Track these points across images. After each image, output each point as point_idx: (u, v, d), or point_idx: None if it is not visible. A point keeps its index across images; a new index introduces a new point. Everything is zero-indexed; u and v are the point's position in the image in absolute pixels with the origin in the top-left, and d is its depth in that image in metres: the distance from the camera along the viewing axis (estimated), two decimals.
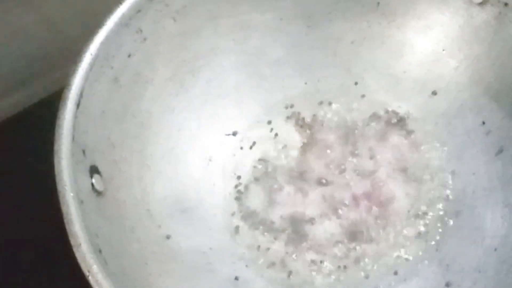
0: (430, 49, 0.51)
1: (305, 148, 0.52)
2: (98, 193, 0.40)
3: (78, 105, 0.40)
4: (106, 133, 0.43)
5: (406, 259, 0.46)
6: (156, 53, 0.47)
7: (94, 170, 0.41)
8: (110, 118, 0.44)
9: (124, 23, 0.44)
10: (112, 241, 0.39)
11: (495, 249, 0.43)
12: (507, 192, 0.45)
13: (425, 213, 0.48)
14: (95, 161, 0.41)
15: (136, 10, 0.44)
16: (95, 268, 0.35)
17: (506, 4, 0.46)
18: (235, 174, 0.51)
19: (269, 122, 0.53)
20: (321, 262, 0.47)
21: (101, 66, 0.42)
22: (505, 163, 0.46)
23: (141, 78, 0.46)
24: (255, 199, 0.50)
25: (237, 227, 0.49)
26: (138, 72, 0.46)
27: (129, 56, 0.45)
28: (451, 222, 0.47)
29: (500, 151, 0.46)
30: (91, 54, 0.41)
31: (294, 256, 0.47)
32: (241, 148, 0.52)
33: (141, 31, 0.45)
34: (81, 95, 0.40)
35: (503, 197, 0.45)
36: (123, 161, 0.45)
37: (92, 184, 0.40)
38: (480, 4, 0.47)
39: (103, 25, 0.42)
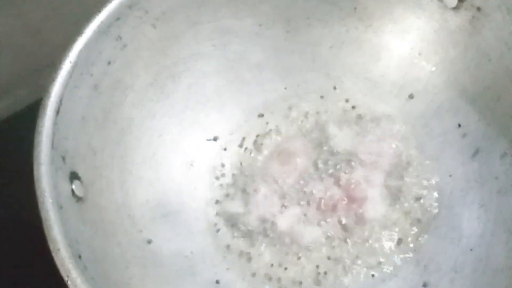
0: (407, 52, 0.52)
1: (284, 151, 0.52)
2: (78, 198, 0.41)
3: (57, 112, 0.40)
4: (86, 139, 0.44)
5: (384, 260, 0.47)
6: (136, 59, 0.48)
7: (74, 176, 0.41)
8: (91, 124, 0.44)
9: (103, 30, 0.44)
10: (93, 246, 0.40)
11: (471, 249, 0.44)
12: (482, 193, 0.46)
13: (403, 214, 0.48)
14: (75, 167, 0.42)
15: (115, 18, 0.45)
16: (73, 273, 0.35)
17: (479, 9, 0.46)
18: (216, 178, 0.51)
19: (250, 127, 0.53)
20: (301, 265, 0.48)
21: (81, 73, 0.43)
22: (481, 164, 0.47)
23: (121, 85, 0.47)
24: (236, 203, 0.50)
25: (218, 231, 0.49)
26: (118, 79, 0.46)
27: (108, 63, 0.45)
28: (429, 223, 0.48)
29: (476, 152, 0.47)
30: (70, 62, 0.42)
31: (274, 259, 0.48)
32: (222, 152, 0.52)
33: (120, 38, 0.46)
34: (60, 102, 0.40)
35: (479, 198, 0.46)
36: (104, 167, 0.45)
37: (72, 190, 0.40)
38: (454, 8, 0.48)
39: (82, 33, 0.43)
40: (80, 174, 0.42)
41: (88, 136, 0.44)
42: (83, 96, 0.43)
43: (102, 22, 0.44)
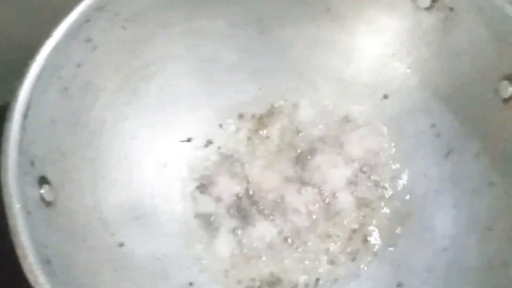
0: (380, 53, 0.52)
1: (258, 152, 0.52)
2: (48, 203, 0.40)
3: (25, 116, 0.40)
4: (56, 143, 0.43)
5: (358, 261, 0.47)
6: (107, 61, 0.47)
7: (43, 181, 0.40)
8: (61, 127, 0.44)
9: (72, 33, 0.43)
10: (63, 251, 0.39)
11: (445, 249, 0.44)
12: (456, 193, 0.46)
13: (377, 214, 0.49)
14: (44, 171, 0.41)
15: (84, 20, 0.44)
16: (41, 279, 0.35)
17: (451, 9, 0.46)
18: (189, 179, 0.51)
19: (223, 128, 0.53)
20: (273, 266, 0.47)
21: (50, 76, 0.42)
22: (454, 164, 0.47)
23: (92, 87, 0.46)
24: (210, 204, 0.50)
25: (192, 233, 0.49)
26: (89, 81, 0.46)
27: (78, 65, 0.45)
28: (403, 223, 0.48)
29: (449, 152, 0.47)
30: (39, 65, 0.41)
31: (248, 261, 0.48)
32: (196, 153, 0.52)
33: (90, 40, 0.45)
34: (28, 106, 0.40)
35: (453, 198, 0.46)
36: (75, 170, 0.44)
37: (41, 195, 0.40)
38: (427, 9, 0.48)
39: (50, 35, 0.42)
40: (49, 179, 0.41)
41: (58, 139, 0.43)
42: (52, 99, 0.43)
43: (71, 24, 0.43)
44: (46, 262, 0.36)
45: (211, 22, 0.51)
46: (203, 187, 0.51)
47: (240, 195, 0.50)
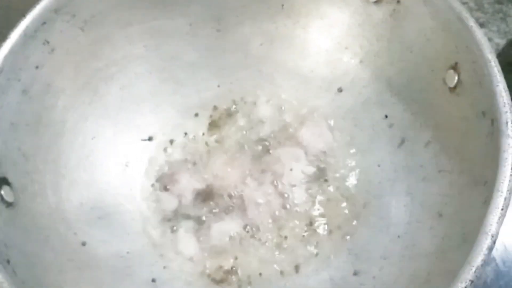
0: (334, 47, 0.53)
1: (219, 149, 0.53)
2: (8, 204, 0.41)
3: None
4: (16, 145, 0.44)
5: (316, 251, 0.48)
6: (66, 63, 0.48)
7: (3, 182, 0.41)
8: (21, 129, 0.44)
9: (29, 35, 0.44)
10: (24, 251, 0.40)
11: (399, 236, 0.45)
12: (409, 182, 0.47)
13: (333, 205, 0.50)
14: (4, 173, 0.42)
15: (41, 22, 0.45)
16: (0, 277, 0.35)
17: (398, 2, 0.47)
18: (151, 178, 0.52)
19: (185, 126, 0.54)
20: (236, 259, 0.48)
21: (8, 79, 0.43)
22: (406, 153, 0.48)
23: (52, 89, 0.47)
24: (172, 202, 0.51)
25: (154, 230, 0.49)
26: (48, 83, 0.46)
27: (37, 67, 0.45)
28: (359, 213, 0.49)
29: (402, 142, 0.48)
30: None
31: (211, 256, 0.49)
32: (158, 152, 0.53)
33: (48, 42, 0.46)
34: None
35: (406, 186, 0.47)
36: (36, 172, 0.45)
37: (1, 196, 0.40)
38: (376, 2, 0.49)
39: (7, 38, 0.43)
40: (10, 180, 0.42)
41: (18, 141, 0.44)
42: (11, 102, 0.43)
43: (27, 26, 0.44)
44: (5, 261, 0.37)
45: (170, 22, 0.52)
46: (165, 185, 0.52)
47: (201, 192, 0.51)
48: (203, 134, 0.54)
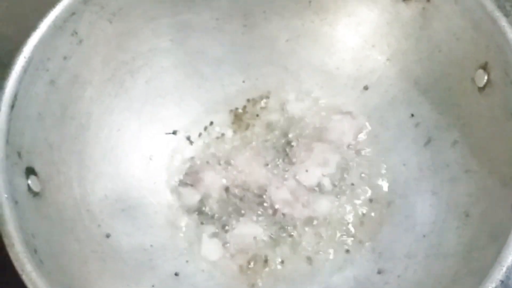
0: (361, 45, 0.53)
1: (243, 145, 0.53)
2: (35, 193, 0.41)
3: (12, 108, 0.40)
4: (43, 135, 0.44)
5: (340, 249, 0.48)
6: (93, 54, 0.48)
7: (30, 172, 0.41)
8: (48, 120, 0.44)
9: (58, 26, 0.44)
10: (50, 241, 0.40)
11: (424, 236, 0.45)
12: (435, 181, 0.47)
13: (358, 203, 0.49)
14: (31, 162, 0.42)
15: (71, 13, 0.45)
16: (28, 267, 0.35)
17: (428, 0, 0.47)
18: (175, 172, 0.52)
19: (208, 121, 0.54)
20: (260, 255, 0.48)
21: (36, 69, 0.43)
22: (433, 152, 0.48)
23: (79, 80, 0.47)
24: (195, 197, 0.51)
25: (178, 224, 0.49)
26: (76, 74, 0.47)
27: (65, 58, 0.45)
28: (384, 212, 0.49)
29: (428, 141, 0.48)
30: (25, 58, 0.42)
31: (234, 252, 0.48)
32: (182, 146, 0.53)
33: (76, 33, 0.46)
34: (15, 98, 0.40)
35: (432, 185, 0.47)
36: (62, 162, 0.45)
37: (28, 185, 0.40)
38: (405, 1, 0.49)
39: (36, 28, 0.43)
40: (36, 170, 0.42)
41: (45, 131, 0.44)
42: (39, 92, 0.43)
43: (56, 17, 0.44)
44: (33, 251, 0.37)
45: (196, 16, 0.52)
46: (189, 179, 0.52)
47: (225, 188, 0.51)
48: (227, 129, 0.54)
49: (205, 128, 0.54)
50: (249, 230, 0.49)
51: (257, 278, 0.47)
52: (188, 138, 0.53)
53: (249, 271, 0.48)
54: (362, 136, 0.52)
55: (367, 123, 0.52)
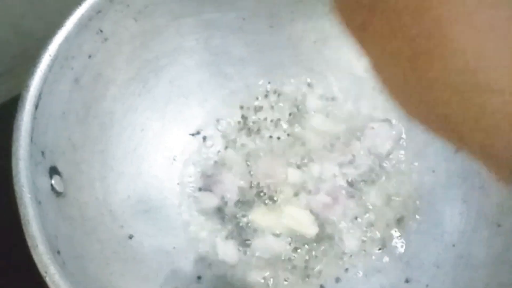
0: None
1: (267, 147, 0.52)
2: (58, 194, 0.40)
3: (36, 106, 0.40)
4: (67, 134, 0.43)
5: (368, 256, 0.47)
6: (117, 53, 0.47)
7: (54, 171, 0.41)
8: (71, 119, 0.44)
9: (83, 24, 0.43)
10: (72, 242, 0.40)
11: (453, 245, 0.44)
12: (465, 189, 0.46)
13: (386, 210, 0.49)
14: (55, 162, 0.41)
15: (96, 11, 0.44)
16: (52, 269, 0.35)
17: None
18: (199, 173, 0.51)
19: (232, 122, 0.53)
20: (288, 260, 0.48)
21: (61, 67, 0.42)
22: (464, 159, 0.47)
23: (102, 79, 0.46)
24: (217, 199, 0.50)
25: (200, 227, 0.49)
26: (100, 73, 0.46)
27: (89, 56, 0.45)
28: (412, 219, 0.48)
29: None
30: (50, 56, 0.41)
31: (257, 253, 0.48)
32: (205, 147, 0.52)
33: (101, 31, 0.45)
34: (39, 97, 0.40)
35: (462, 193, 0.46)
36: (85, 162, 0.45)
37: (52, 185, 0.40)
38: None
39: (62, 26, 0.42)
40: (60, 169, 0.41)
41: (68, 130, 0.43)
42: (63, 90, 0.43)
43: (82, 15, 0.43)
44: (56, 252, 0.36)
45: (221, 16, 0.51)
46: (211, 181, 0.51)
47: (247, 190, 0.50)
48: (251, 130, 0.53)
49: (228, 129, 0.53)
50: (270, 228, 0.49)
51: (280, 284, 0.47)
52: (211, 139, 0.52)
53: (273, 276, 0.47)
54: (389, 142, 0.51)
55: (396, 129, 0.51)
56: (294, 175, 0.51)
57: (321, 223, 0.49)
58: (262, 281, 0.47)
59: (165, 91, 0.51)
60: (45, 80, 0.41)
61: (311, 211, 0.49)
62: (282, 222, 0.49)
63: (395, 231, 0.48)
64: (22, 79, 0.41)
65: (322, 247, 0.48)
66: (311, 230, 0.48)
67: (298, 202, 0.50)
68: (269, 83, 0.54)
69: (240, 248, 0.48)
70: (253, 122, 0.53)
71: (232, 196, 0.50)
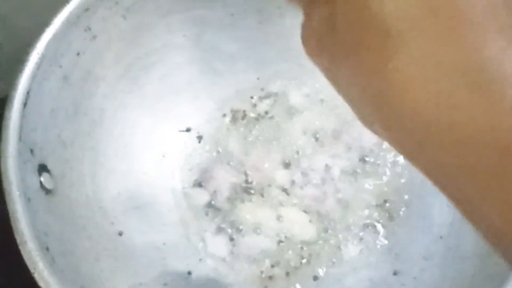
0: None
1: (256, 142, 0.52)
2: (48, 191, 0.40)
3: (25, 104, 0.40)
4: (56, 132, 0.43)
5: (356, 249, 0.47)
6: (107, 50, 0.47)
7: (43, 169, 0.41)
8: (61, 116, 0.44)
9: (72, 21, 0.43)
10: (62, 239, 0.40)
11: (441, 237, 0.44)
12: None
13: (374, 203, 0.49)
14: (44, 159, 0.41)
15: (84, 9, 0.44)
16: (40, 265, 0.35)
17: None
18: (188, 170, 0.51)
19: (222, 118, 0.53)
20: (277, 253, 0.48)
21: (50, 65, 0.42)
22: None
23: (92, 76, 0.46)
24: (208, 195, 0.50)
25: (190, 223, 0.49)
26: (89, 70, 0.46)
27: (78, 54, 0.45)
28: (400, 212, 0.48)
29: None
30: (38, 53, 0.41)
31: (248, 251, 0.48)
32: (195, 143, 0.52)
33: (90, 29, 0.45)
34: (28, 95, 0.40)
35: None
36: (75, 159, 0.45)
37: (41, 183, 0.40)
38: None
39: (50, 24, 0.42)
40: (49, 167, 0.42)
41: (58, 128, 0.44)
42: (52, 88, 0.43)
43: (70, 12, 0.43)
44: (45, 249, 0.36)
45: (211, 12, 0.51)
46: (201, 178, 0.51)
47: (237, 186, 0.51)
48: (240, 126, 0.53)
49: (219, 126, 0.53)
50: (261, 223, 0.49)
51: (271, 278, 0.47)
52: (201, 136, 0.53)
53: (263, 271, 0.47)
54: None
55: None
56: (283, 171, 0.51)
57: (312, 217, 0.49)
58: (252, 275, 0.47)
59: (156, 88, 0.51)
60: (33, 78, 0.41)
61: (304, 209, 0.49)
62: (274, 219, 0.49)
63: (384, 224, 0.48)
64: (11, 79, 0.41)
65: (311, 241, 0.48)
66: (307, 232, 0.48)
67: (288, 198, 0.50)
68: (258, 79, 0.54)
69: (230, 243, 0.48)
70: (244, 118, 0.53)
71: (222, 192, 0.50)
